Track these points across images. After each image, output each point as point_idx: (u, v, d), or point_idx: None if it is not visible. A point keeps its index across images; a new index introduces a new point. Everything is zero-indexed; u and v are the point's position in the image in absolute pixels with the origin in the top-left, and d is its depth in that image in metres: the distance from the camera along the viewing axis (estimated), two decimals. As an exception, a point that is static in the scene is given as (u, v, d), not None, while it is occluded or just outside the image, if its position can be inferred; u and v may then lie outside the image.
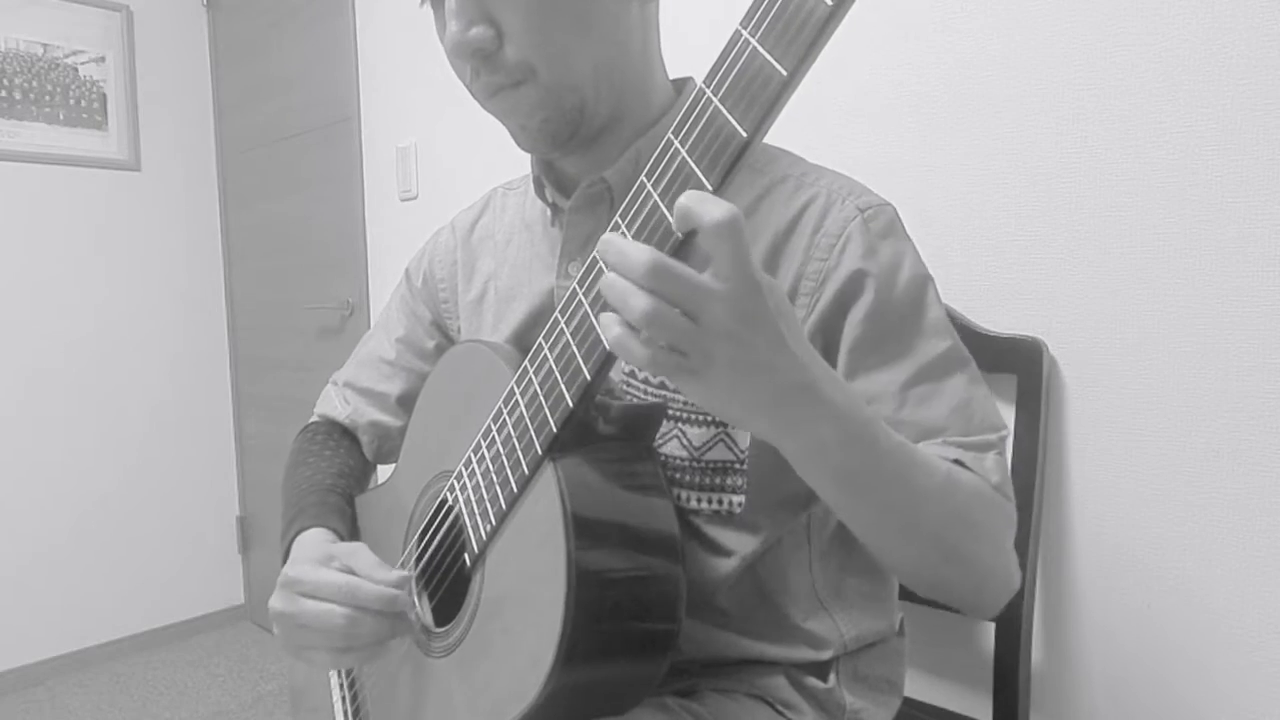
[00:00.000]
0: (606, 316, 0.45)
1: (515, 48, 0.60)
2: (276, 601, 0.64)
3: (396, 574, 0.62)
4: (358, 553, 0.64)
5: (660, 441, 0.65)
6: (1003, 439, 0.64)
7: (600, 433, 0.58)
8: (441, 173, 1.87)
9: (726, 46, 0.44)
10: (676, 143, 0.46)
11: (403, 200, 1.98)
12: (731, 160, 0.44)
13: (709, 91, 0.45)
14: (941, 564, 0.58)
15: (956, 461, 0.60)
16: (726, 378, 0.44)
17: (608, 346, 0.45)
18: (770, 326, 0.44)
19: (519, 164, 0.81)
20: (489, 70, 0.62)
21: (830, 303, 0.62)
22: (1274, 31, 0.80)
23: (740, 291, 0.42)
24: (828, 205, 0.64)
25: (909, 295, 0.64)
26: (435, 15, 0.65)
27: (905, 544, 0.57)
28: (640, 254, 0.42)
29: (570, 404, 0.54)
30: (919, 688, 1.11)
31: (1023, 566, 0.94)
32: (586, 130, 0.65)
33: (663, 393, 0.65)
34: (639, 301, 0.42)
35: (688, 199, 0.42)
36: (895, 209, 0.67)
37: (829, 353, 0.63)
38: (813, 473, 0.52)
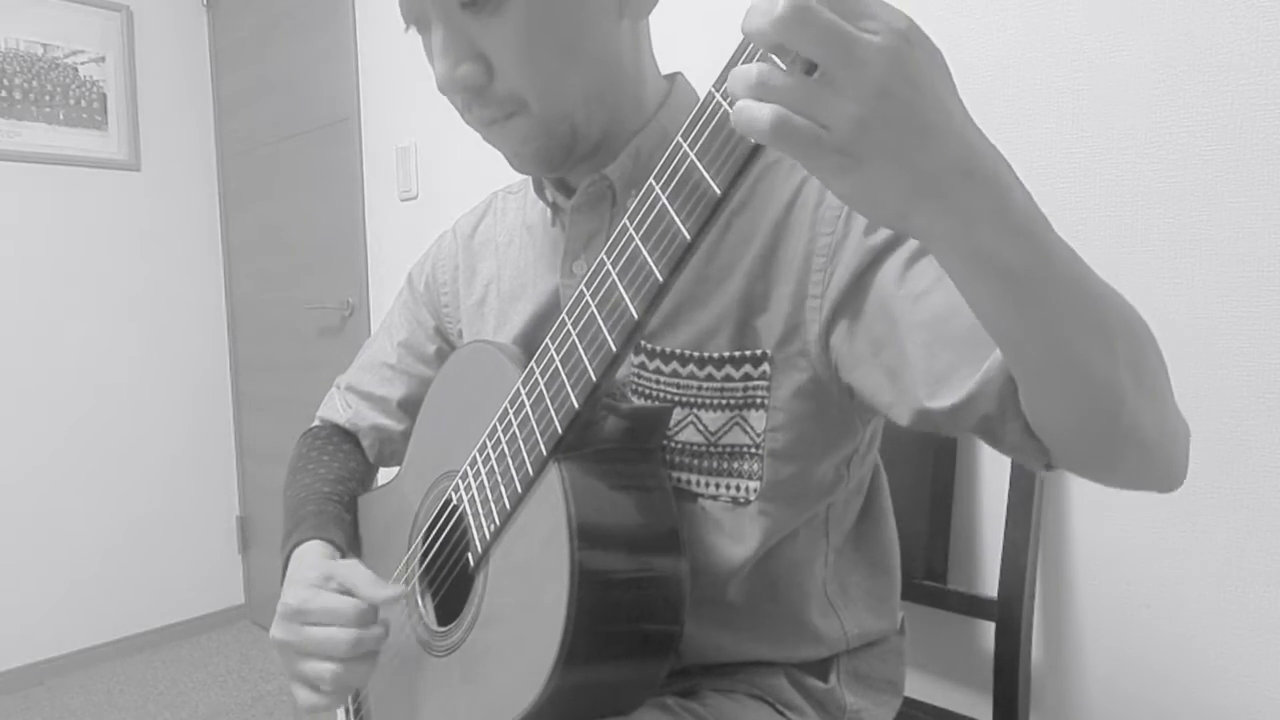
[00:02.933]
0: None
1: (505, 82, 0.60)
2: (278, 631, 0.65)
3: (392, 590, 0.63)
4: (354, 570, 0.65)
5: (676, 429, 0.65)
6: None
7: (605, 434, 0.58)
8: (441, 173, 1.87)
9: (736, 51, 0.44)
10: (685, 146, 0.46)
11: (402, 200, 1.98)
12: (741, 163, 0.43)
13: (718, 95, 0.45)
14: (1135, 391, 0.47)
15: None
16: (881, 151, 0.36)
17: (731, 119, 0.38)
18: (930, 87, 0.36)
19: (521, 165, 0.81)
20: (480, 104, 0.61)
21: (852, 272, 0.59)
22: (1274, 32, 0.81)
23: (894, 42, 0.35)
24: None
25: None
26: (423, 40, 0.64)
27: (1091, 364, 0.45)
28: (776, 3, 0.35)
29: (576, 405, 0.54)
30: (919, 688, 1.11)
31: (1023, 566, 0.95)
32: (580, 150, 0.65)
33: (672, 388, 0.65)
34: (752, 66, 0.37)
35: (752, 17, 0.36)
36: None
37: (857, 317, 0.60)
38: (977, 277, 0.43)
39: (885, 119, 0.35)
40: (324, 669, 0.62)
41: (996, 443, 0.55)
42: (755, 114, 0.36)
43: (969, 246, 0.40)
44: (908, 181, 0.37)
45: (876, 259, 0.58)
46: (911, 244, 0.58)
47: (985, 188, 0.39)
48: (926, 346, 0.55)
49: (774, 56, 0.38)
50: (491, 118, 0.62)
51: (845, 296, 0.59)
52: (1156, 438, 0.49)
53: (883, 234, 0.58)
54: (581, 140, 0.64)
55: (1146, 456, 0.50)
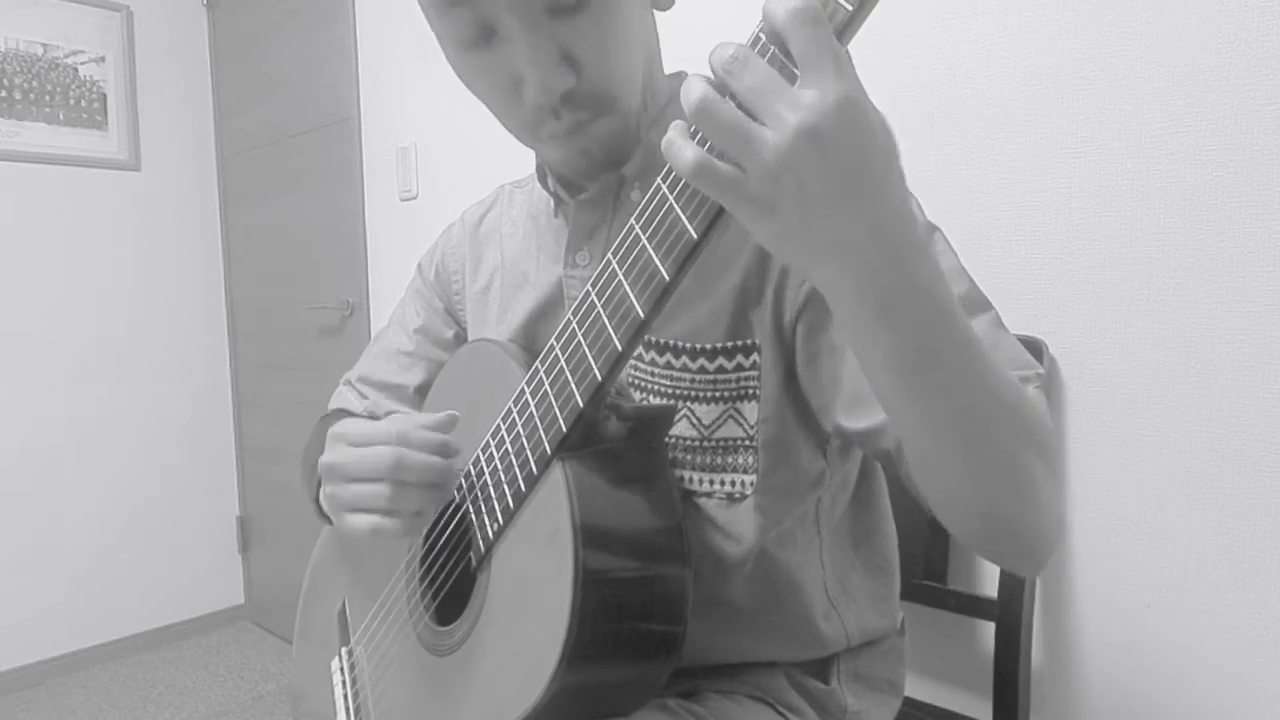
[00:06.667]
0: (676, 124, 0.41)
1: (590, 81, 0.59)
2: (326, 455, 0.63)
3: (444, 414, 0.61)
4: (397, 415, 0.64)
5: None
6: (1040, 376, 0.58)
7: (610, 434, 0.58)
8: (441, 173, 1.87)
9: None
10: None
11: (402, 200, 1.98)
12: None
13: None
14: (1007, 492, 0.49)
15: None
16: (792, 205, 0.38)
17: (663, 146, 0.40)
18: (854, 157, 0.37)
19: (518, 164, 0.81)
20: (570, 109, 0.59)
21: None
22: (1275, 31, 0.81)
23: (825, 106, 0.35)
24: None
25: None
26: (477, 60, 0.60)
27: (970, 459, 0.47)
28: (729, 46, 0.38)
29: (580, 404, 0.54)
30: (919, 688, 1.11)
31: (1023, 566, 0.95)
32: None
33: (665, 380, 0.66)
34: (695, 88, 0.37)
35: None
36: None
37: (821, 317, 0.61)
38: (875, 349, 0.44)
39: (796, 182, 0.37)
40: (368, 490, 0.59)
41: (899, 475, 0.59)
42: (681, 156, 0.39)
43: (861, 318, 0.42)
44: (813, 240, 0.39)
45: None
46: None
47: (888, 265, 0.40)
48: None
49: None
50: (581, 121, 0.61)
51: (818, 294, 0.61)
52: (1020, 530, 0.51)
53: None
54: (633, 130, 0.65)
55: (1000, 540, 0.52)
